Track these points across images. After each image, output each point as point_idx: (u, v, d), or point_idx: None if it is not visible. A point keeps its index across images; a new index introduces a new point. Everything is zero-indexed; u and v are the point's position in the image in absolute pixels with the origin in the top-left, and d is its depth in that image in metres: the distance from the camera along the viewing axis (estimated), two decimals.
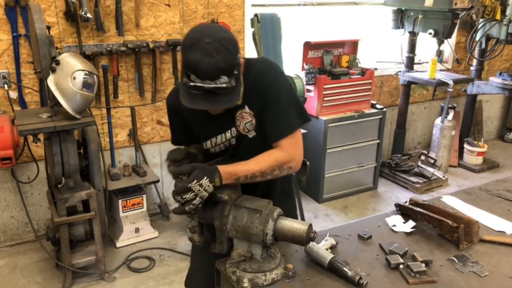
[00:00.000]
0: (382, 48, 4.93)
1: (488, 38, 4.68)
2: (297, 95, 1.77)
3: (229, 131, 1.66)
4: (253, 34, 3.64)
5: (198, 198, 1.40)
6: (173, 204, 4.01)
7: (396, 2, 4.49)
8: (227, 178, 1.47)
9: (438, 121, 4.78)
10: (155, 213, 3.88)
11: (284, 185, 1.88)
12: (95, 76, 2.70)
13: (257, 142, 1.66)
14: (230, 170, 1.49)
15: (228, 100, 1.45)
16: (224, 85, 1.40)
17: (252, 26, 3.63)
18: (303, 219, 3.62)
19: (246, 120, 1.65)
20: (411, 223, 1.81)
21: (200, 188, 1.40)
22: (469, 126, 5.28)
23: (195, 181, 1.39)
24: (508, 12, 4.39)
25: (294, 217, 1.94)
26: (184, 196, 1.39)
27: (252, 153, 1.59)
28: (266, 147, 1.62)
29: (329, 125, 4.01)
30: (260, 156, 1.57)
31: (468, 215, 1.79)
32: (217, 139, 1.68)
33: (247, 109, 1.63)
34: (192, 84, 1.40)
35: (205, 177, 1.41)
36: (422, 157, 4.78)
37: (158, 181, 3.61)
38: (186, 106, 1.46)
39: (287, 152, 1.59)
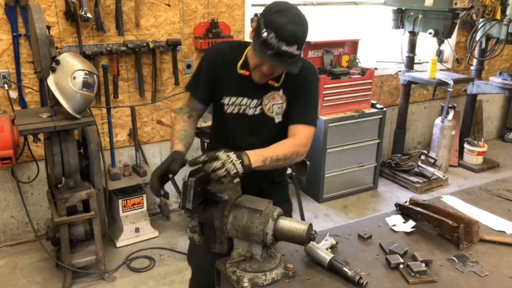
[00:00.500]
0: (382, 48, 4.93)
1: (488, 38, 4.68)
2: None
3: (252, 100, 1.78)
4: None
5: (224, 169, 1.41)
6: (173, 204, 4.01)
7: (396, 2, 4.48)
8: (255, 157, 1.51)
9: (438, 121, 4.78)
10: (155, 213, 3.88)
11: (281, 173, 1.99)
12: (95, 76, 2.70)
13: (280, 129, 1.79)
14: (257, 151, 1.56)
15: (294, 67, 1.61)
16: (295, 52, 1.56)
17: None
18: (303, 219, 3.62)
19: (276, 101, 1.78)
20: (411, 223, 1.81)
21: (227, 158, 1.42)
22: (469, 126, 5.28)
23: (223, 151, 1.45)
24: (508, 12, 4.39)
25: (289, 206, 2.03)
26: (211, 165, 1.41)
27: (274, 137, 1.72)
28: (286, 136, 1.76)
29: (329, 125, 4.01)
30: (282, 142, 1.69)
31: (468, 215, 1.79)
32: (238, 99, 1.79)
33: (281, 92, 1.78)
34: (269, 41, 1.53)
35: (233, 152, 1.46)
36: (422, 157, 4.78)
37: None
38: (227, 58, 1.75)
39: (303, 139, 1.72)
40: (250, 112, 1.79)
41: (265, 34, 1.53)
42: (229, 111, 1.81)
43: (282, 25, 1.52)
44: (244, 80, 1.76)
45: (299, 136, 1.72)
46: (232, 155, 1.44)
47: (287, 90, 1.78)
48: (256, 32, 1.60)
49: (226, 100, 1.80)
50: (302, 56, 1.66)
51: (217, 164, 1.41)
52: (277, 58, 1.56)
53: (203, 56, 1.88)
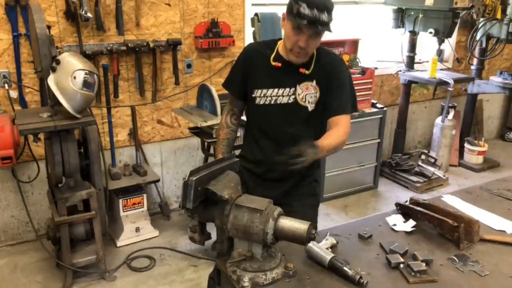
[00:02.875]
0: (383, 48, 4.93)
1: (489, 37, 4.68)
2: None
3: (284, 89, 1.91)
4: (253, 33, 3.64)
5: (304, 159, 1.62)
6: (174, 204, 4.01)
7: (397, 1, 4.48)
8: (322, 150, 1.74)
9: (438, 120, 4.78)
10: (155, 213, 3.88)
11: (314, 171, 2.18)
12: (95, 76, 2.70)
13: (314, 117, 1.93)
14: (322, 144, 1.76)
15: (324, 28, 1.73)
16: (326, 19, 1.71)
17: (253, 25, 3.63)
18: None
19: (309, 91, 1.91)
20: (412, 223, 1.81)
21: (309, 153, 1.64)
22: (469, 126, 5.28)
23: (306, 146, 1.66)
24: (508, 11, 4.38)
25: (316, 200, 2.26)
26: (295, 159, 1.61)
27: (306, 125, 1.92)
28: (320, 125, 1.94)
29: None
30: (331, 132, 1.88)
31: (468, 214, 1.79)
32: (269, 91, 1.92)
33: (314, 83, 1.90)
34: (302, 12, 1.68)
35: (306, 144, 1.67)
36: (423, 157, 4.78)
37: (158, 180, 3.61)
38: (259, 54, 1.93)
39: (346, 127, 1.90)
40: (283, 100, 1.91)
41: (297, 8, 1.70)
42: (261, 102, 1.94)
43: None
44: (277, 72, 1.91)
45: (342, 126, 1.89)
46: (311, 150, 1.66)
47: (320, 81, 1.90)
48: (288, 12, 1.77)
49: (258, 93, 1.94)
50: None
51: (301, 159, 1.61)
52: (312, 27, 1.71)
53: (238, 56, 2.07)
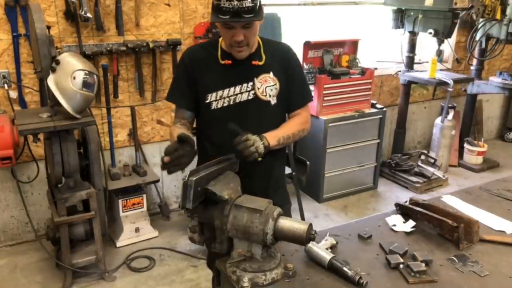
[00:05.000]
0: (382, 48, 4.93)
1: (488, 37, 4.68)
2: None
3: (241, 85, 1.79)
4: None
5: (254, 146, 1.62)
6: (173, 204, 4.01)
7: (396, 1, 4.48)
8: (272, 139, 1.72)
9: (438, 120, 4.78)
10: (155, 213, 3.88)
11: (279, 178, 2.04)
12: (95, 76, 2.70)
13: (277, 112, 1.87)
14: (272, 134, 1.74)
15: (252, 17, 1.62)
16: (248, 4, 1.59)
17: None
18: (303, 218, 3.62)
19: (268, 84, 1.82)
20: (411, 223, 1.81)
21: (253, 137, 1.64)
22: (469, 126, 5.28)
23: (249, 133, 1.64)
24: (508, 11, 4.39)
25: (288, 208, 2.05)
26: (245, 143, 1.61)
27: (269, 121, 1.82)
28: (282, 118, 1.90)
29: (329, 124, 4.00)
30: (288, 122, 1.88)
31: (468, 214, 1.79)
32: (225, 91, 1.79)
33: (272, 74, 1.82)
34: (222, 5, 1.59)
35: (255, 135, 1.66)
36: (422, 157, 4.78)
37: (158, 180, 3.61)
38: (202, 56, 1.80)
39: (305, 117, 1.92)
40: (243, 98, 1.79)
41: (217, 3, 1.60)
42: (219, 106, 1.79)
43: None
44: (229, 70, 1.79)
45: (301, 116, 1.90)
46: (255, 136, 1.64)
47: (277, 73, 1.83)
48: (212, 10, 1.66)
49: (212, 97, 1.79)
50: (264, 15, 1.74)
51: (250, 142, 1.61)
52: (237, 17, 1.61)
53: (178, 62, 1.92)
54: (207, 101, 1.80)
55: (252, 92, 1.79)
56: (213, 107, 1.80)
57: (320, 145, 4.04)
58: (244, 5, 1.58)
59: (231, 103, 1.78)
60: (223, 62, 1.79)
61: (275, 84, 1.82)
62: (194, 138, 1.77)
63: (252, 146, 1.61)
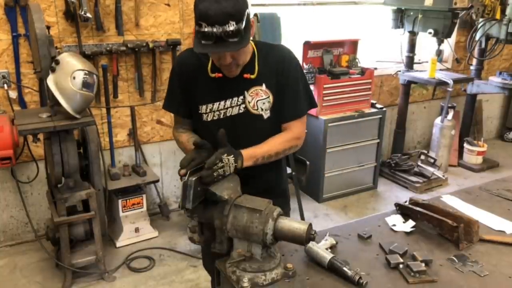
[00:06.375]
0: (382, 48, 4.93)
1: (488, 37, 4.68)
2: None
3: (231, 99, 1.70)
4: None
5: (223, 169, 1.50)
6: (173, 204, 4.01)
7: (396, 1, 4.48)
8: (248, 159, 1.60)
9: (438, 120, 4.78)
10: (155, 213, 3.88)
11: (282, 184, 1.97)
12: (94, 76, 2.70)
13: (271, 126, 1.75)
14: (251, 153, 1.62)
15: (237, 43, 1.49)
16: (232, 28, 1.45)
17: None
18: (303, 218, 3.62)
19: (260, 97, 1.71)
20: (411, 223, 1.81)
21: (228, 161, 1.51)
22: (469, 126, 5.28)
23: (226, 154, 1.51)
24: (507, 11, 4.39)
25: (287, 212, 1.98)
26: (215, 164, 1.47)
27: (260, 134, 1.71)
28: (277, 131, 1.75)
29: (329, 124, 4.01)
30: (273, 138, 1.72)
31: (468, 214, 1.79)
32: (215, 105, 1.71)
33: (264, 87, 1.71)
34: (202, 30, 1.46)
35: (232, 155, 1.53)
36: (422, 157, 4.78)
37: (158, 180, 3.61)
38: (193, 65, 1.68)
39: (296, 133, 1.76)
40: (234, 112, 1.70)
41: (198, 29, 1.48)
42: (209, 118, 1.73)
43: (206, 10, 1.44)
44: (219, 83, 1.69)
45: (291, 132, 1.75)
46: (231, 158, 1.53)
47: (270, 84, 1.71)
48: (195, 35, 1.53)
49: (204, 109, 1.73)
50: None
51: (220, 164, 1.49)
52: (221, 44, 1.47)
53: (172, 69, 1.83)
54: (200, 112, 1.74)
55: (243, 106, 1.70)
56: (204, 119, 1.74)
57: (320, 145, 4.04)
58: (227, 29, 1.45)
59: (222, 116, 1.71)
60: (213, 75, 1.69)
61: (268, 97, 1.71)
62: None
63: (220, 168, 1.48)
